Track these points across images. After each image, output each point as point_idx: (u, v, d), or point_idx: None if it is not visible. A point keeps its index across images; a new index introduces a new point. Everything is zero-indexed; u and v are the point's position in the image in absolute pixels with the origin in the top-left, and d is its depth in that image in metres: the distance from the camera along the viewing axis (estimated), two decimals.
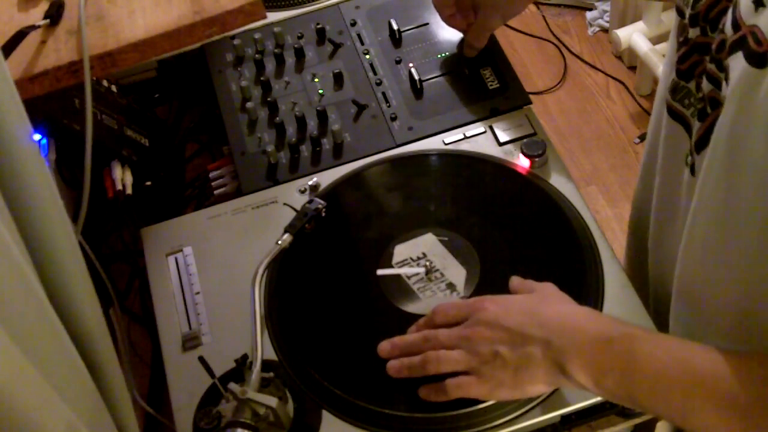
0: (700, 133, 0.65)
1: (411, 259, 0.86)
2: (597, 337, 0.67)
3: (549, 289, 0.76)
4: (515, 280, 0.79)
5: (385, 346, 0.76)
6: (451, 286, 0.83)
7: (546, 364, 0.67)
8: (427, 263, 0.85)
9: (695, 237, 0.70)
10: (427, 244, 0.86)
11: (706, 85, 0.65)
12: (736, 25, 0.57)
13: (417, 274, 0.85)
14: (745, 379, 0.59)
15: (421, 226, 0.88)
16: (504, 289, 0.79)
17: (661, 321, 0.82)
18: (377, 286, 0.84)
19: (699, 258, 0.71)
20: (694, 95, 0.69)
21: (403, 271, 0.85)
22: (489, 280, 0.83)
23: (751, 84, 0.55)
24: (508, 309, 0.72)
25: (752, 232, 0.61)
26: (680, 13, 0.69)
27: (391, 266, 0.85)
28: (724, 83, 0.60)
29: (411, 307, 0.82)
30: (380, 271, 0.85)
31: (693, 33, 0.67)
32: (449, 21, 1.01)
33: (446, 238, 0.85)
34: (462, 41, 1.03)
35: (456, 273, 0.84)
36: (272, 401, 0.72)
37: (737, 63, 0.56)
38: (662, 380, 0.63)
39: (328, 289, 0.87)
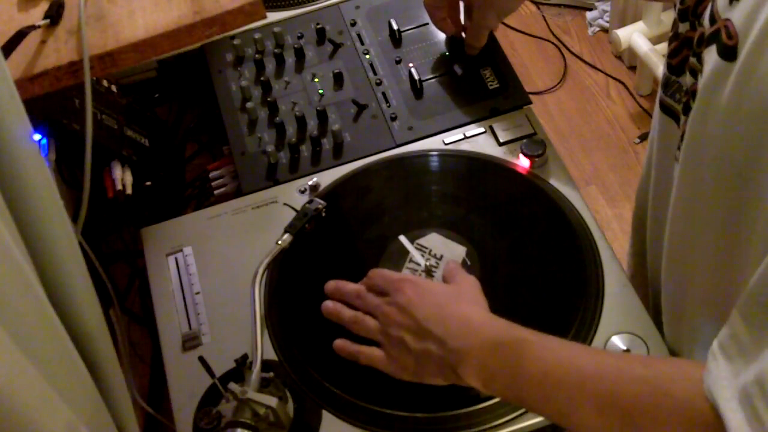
0: (684, 127, 0.66)
1: (429, 251, 0.86)
2: (487, 341, 0.69)
3: (466, 285, 0.78)
4: (450, 263, 0.83)
5: (330, 285, 0.82)
6: None
7: (440, 363, 0.70)
8: (433, 265, 0.85)
9: (675, 227, 0.71)
10: (453, 253, 0.86)
11: (689, 78, 0.66)
12: (713, 18, 0.58)
13: (418, 264, 0.85)
14: (626, 378, 0.60)
15: (425, 226, 0.88)
16: (496, 297, 0.79)
17: (660, 318, 0.82)
18: None
19: (679, 248, 0.72)
20: (683, 89, 0.70)
21: (414, 253, 0.86)
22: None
23: (720, 77, 0.56)
24: (422, 298, 0.74)
25: (716, 222, 0.62)
26: (675, 8, 0.70)
27: (412, 243, 0.87)
28: (700, 76, 0.60)
29: None
30: (401, 237, 0.87)
31: (683, 28, 0.68)
32: (439, 24, 1.02)
33: (469, 263, 0.85)
34: (462, 41, 1.03)
35: None
36: (272, 401, 0.72)
37: (710, 56, 0.57)
38: (546, 382, 0.65)
39: None
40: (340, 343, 0.78)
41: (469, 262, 0.85)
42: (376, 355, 0.75)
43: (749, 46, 0.52)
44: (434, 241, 0.87)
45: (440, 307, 0.73)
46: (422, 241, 0.87)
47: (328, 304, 0.81)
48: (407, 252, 0.86)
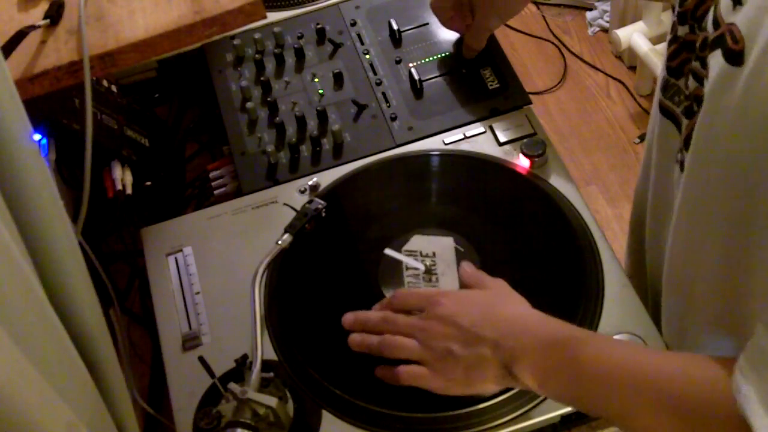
0: (687, 131, 0.66)
1: (420, 253, 0.86)
2: (543, 341, 0.68)
3: (500, 287, 0.77)
4: (467, 267, 0.81)
5: (349, 318, 0.79)
6: None
7: (495, 365, 0.69)
8: (431, 264, 0.85)
9: (679, 231, 0.71)
10: (443, 245, 0.86)
11: (691, 82, 0.66)
12: (716, 22, 0.58)
13: (416, 269, 0.85)
14: (686, 381, 0.60)
15: (425, 227, 0.88)
16: None
17: (658, 318, 0.82)
18: (377, 286, 0.84)
19: (682, 252, 0.72)
20: (683, 92, 0.70)
21: (407, 260, 0.85)
22: None
23: (727, 82, 0.56)
24: (464, 306, 0.73)
25: (723, 227, 0.62)
26: (673, 10, 0.70)
27: (399, 251, 0.86)
28: (705, 80, 0.60)
29: None
30: (387, 251, 0.86)
31: (682, 31, 0.68)
32: (448, 24, 1.01)
33: (463, 249, 0.85)
34: (461, 41, 1.03)
35: (449, 283, 0.83)
36: (272, 401, 0.72)
37: (716, 61, 0.57)
38: (603, 383, 0.64)
39: (328, 289, 0.87)
40: (380, 370, 0.76)
41: (462, 249, 0.85)
42: (419, 372, 0.72)
43: (757, 51, 0.52)
44: (420, 242, 0.87)
45: (486, 311, 0.72)
46: (408, 246, 0.87)
47: (356, 338, 0.77)
48: (398, 272, 0.85)
